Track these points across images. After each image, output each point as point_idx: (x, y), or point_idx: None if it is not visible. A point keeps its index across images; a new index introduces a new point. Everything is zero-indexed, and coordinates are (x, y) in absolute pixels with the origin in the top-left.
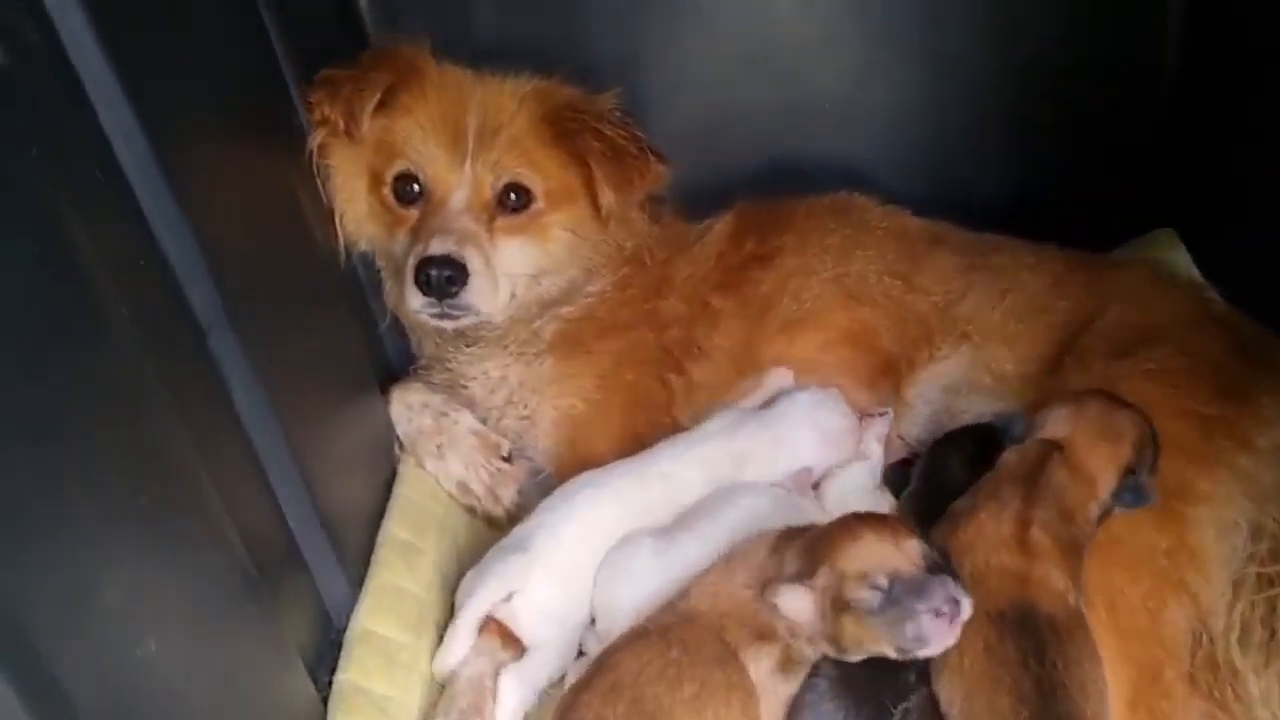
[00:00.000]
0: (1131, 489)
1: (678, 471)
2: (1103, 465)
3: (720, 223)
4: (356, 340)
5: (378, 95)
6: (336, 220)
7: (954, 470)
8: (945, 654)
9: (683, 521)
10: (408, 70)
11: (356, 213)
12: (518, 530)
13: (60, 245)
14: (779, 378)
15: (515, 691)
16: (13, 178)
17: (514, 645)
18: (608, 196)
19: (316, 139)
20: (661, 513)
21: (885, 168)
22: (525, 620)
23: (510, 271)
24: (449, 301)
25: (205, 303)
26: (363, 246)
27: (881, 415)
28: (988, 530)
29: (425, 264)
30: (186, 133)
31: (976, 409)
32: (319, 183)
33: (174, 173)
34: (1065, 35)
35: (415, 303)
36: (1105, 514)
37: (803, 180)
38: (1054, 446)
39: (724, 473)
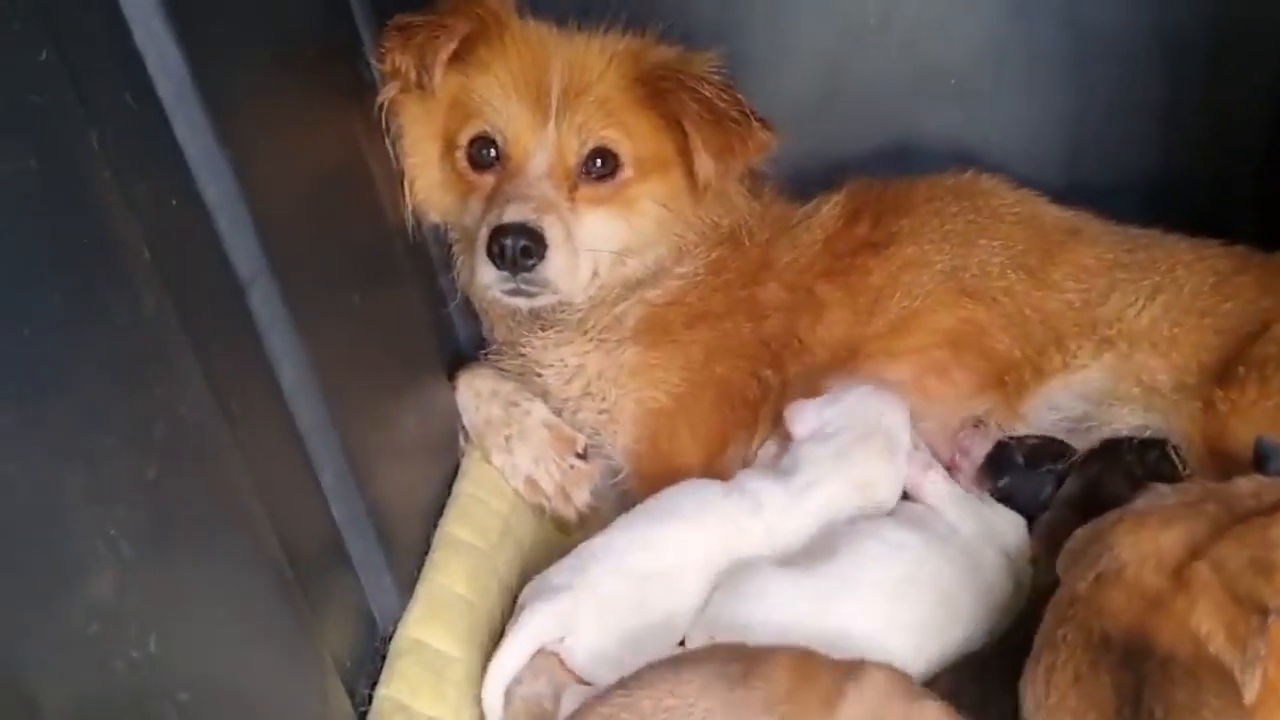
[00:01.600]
0: None
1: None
2: None
3: (829, 203)
4: (422, 318)
5: (453, 44)
6: (406, 186)
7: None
8: (1032, 669)
9: (818, 553)
10: (489, 22)
11: (428, 179)
12: (573, 556)
13: (71, 167)
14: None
15: None
16: (15, 81)
17: None
18: (705, 164)
19: (388, 93)
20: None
21: (1016, 153)
22: (580, 661)
23: (593, 246)
24: (524, 275)
25: (246, 254)
26: (434, 218)
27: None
28: (1148, 537)
29: (499, 233)
30: (234, 63)
31: (1123, 422)
32: (389, 144)
33: (216, 104)
34: (1225, 15)
35: (487, 276)
36: None
37: (921, 164)
38: None
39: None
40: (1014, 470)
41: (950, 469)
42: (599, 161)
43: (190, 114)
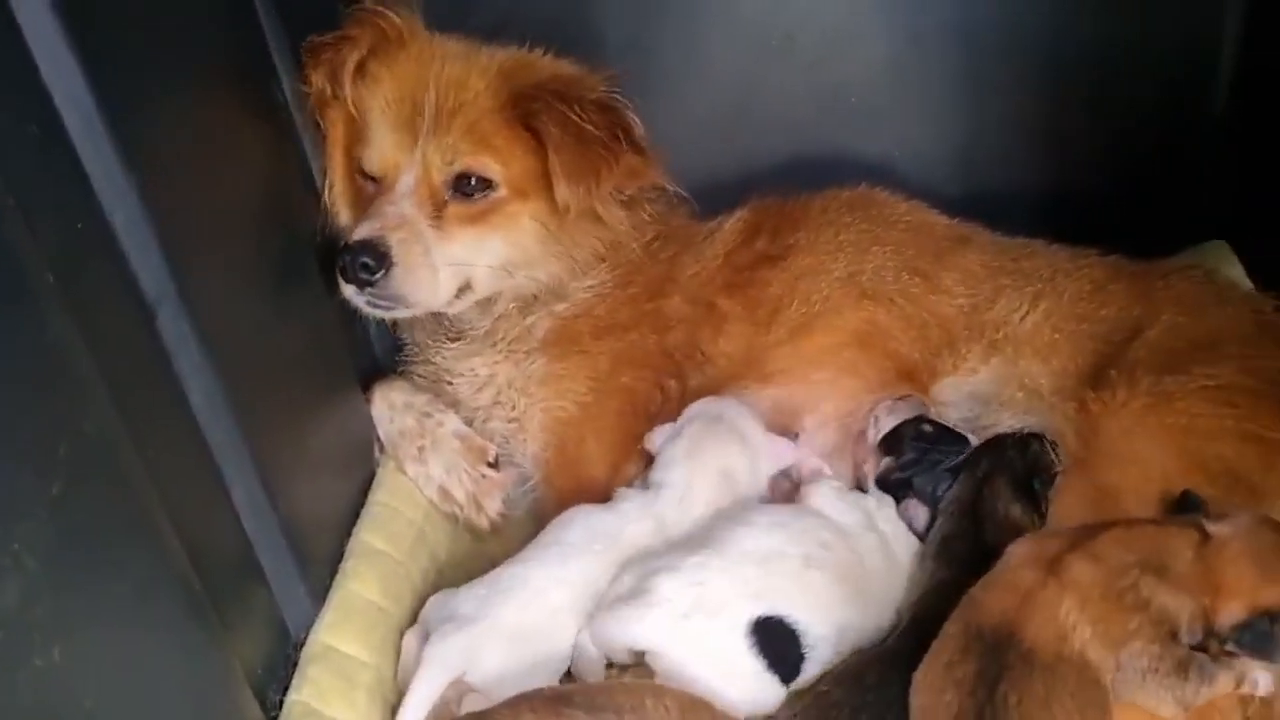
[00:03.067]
0: (1257, 631)
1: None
2: (1236, 588)
3: (731, 219)
4: (336, 333)
5: (358, 55)
6: (324, 198)
7: (1002, 503)
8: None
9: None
10: (391, 36)
11: (342, 192)
12: (484, 586)
13: None
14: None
15: None
16: None
17: None
18: (562, 188)
19: (310, 106)
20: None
21: (913, 167)
22: (480, 683)
23: (460, 262)
24: (370, 290)
25: (153, 276)
26: (344, 227)
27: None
28: (1039, 544)
29: (345, 249)
30: (141, 90)
31: (1006, 425)
32: (309, 160)
33: (122, 131)
34: (1112, 33)
35: (345, 291)
36: (1207, 638)
37: (825, 178)
38: (1201, 532)
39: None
40: (912, 447)
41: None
42: (471, 181)
43: (96, 142)
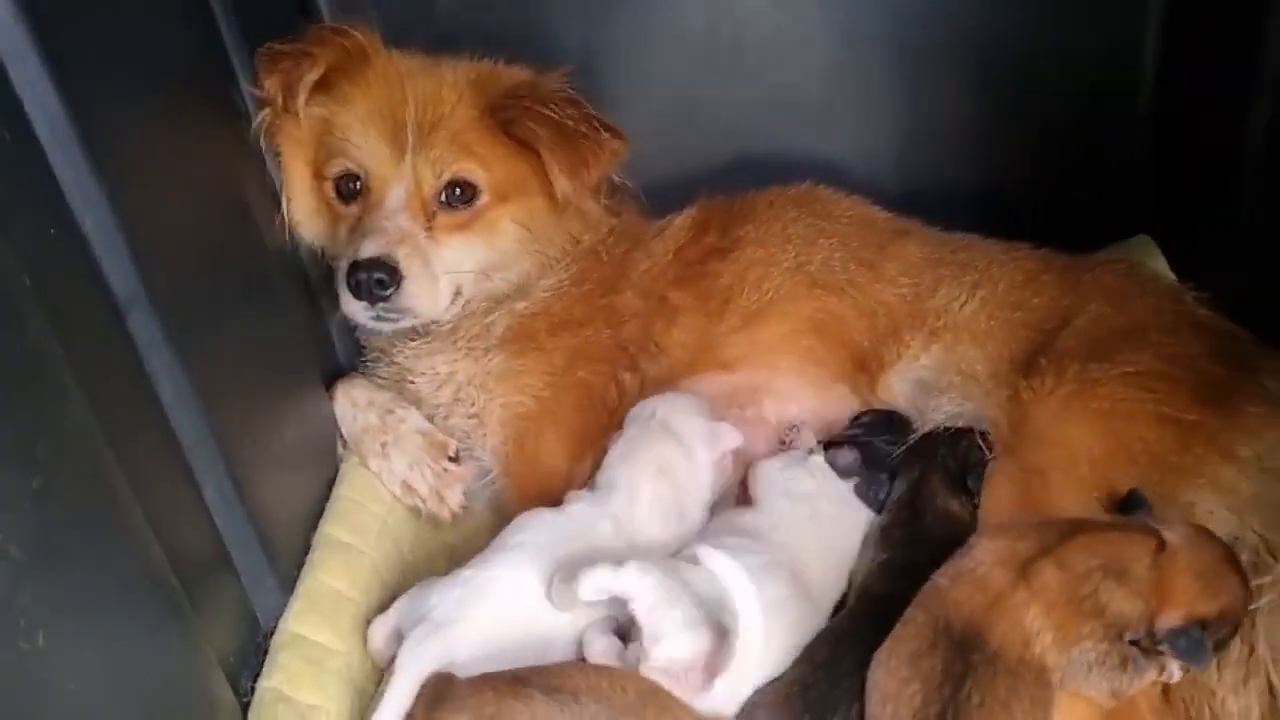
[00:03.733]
0: (1191, 639)
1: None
2: (1180, 598)
3: (680, 216)
4: (300, 332)
5: (318, 71)
6: (284, 209)
7: (940, 499)
8: (887, 643)
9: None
10: (352, 55)
11: (302, 204)
12: (460, 586)
13: None
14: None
15: None
16: None
17: None
18: (563, 184)
19: (262, 117)
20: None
21: (854, 168)
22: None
23: (455, 270)
24: (382, 305)
25: (123, 279)
26: (308, 240)
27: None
28: (1005, 542)
29: (355, 267)
30: (109, 97)
31: (945, 409)
32: (269, 169)
33: (91, 138)
34: (1040, 38)
35: (350, 306)
36: (1146, 638)
37: (769, 178)
38: (1159, 539)
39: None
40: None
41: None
42: (457, 190)
43: (66, 148)
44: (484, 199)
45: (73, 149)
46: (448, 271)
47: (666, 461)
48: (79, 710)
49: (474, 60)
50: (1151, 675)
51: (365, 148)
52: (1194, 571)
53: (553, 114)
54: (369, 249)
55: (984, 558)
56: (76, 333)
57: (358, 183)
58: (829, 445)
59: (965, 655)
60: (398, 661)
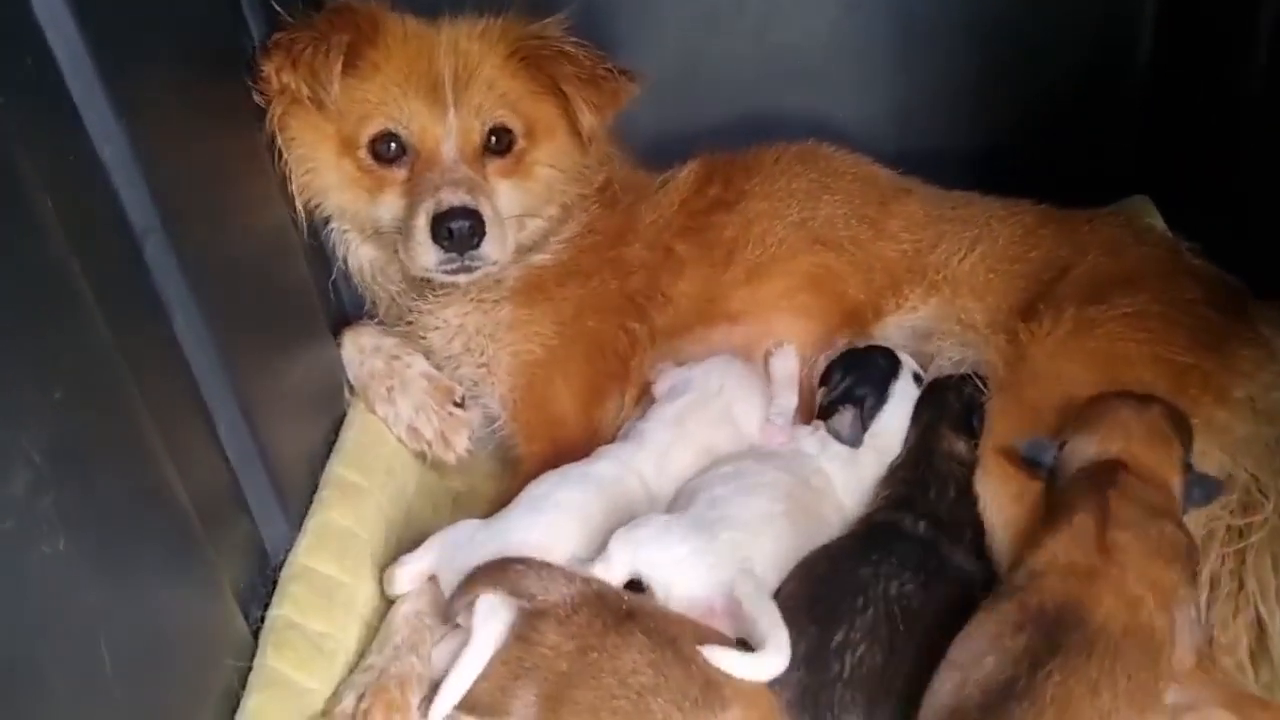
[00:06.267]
0: (1197, 483)
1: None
2: (1169, 467)
3: (685, 170)
4: (308, 279)
5: (342, 56)
6: (295, 190)
7: (947, 443)
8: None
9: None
10: (368, 27)
11: (324, 182)
12: (486, 545)
13: None
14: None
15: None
16: None
17: None
18: (587, 118)
19: (277, 109)
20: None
21: (853, 126)
22: None
23: (509, 215)
24: (470, 254)
25: (140, 210)
26: (331, 215)
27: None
28: (1048, 540)
29: (444, 217)
30: (126, 34)
31: (945, 355)
32: (276, 151)
33: (110, 71)
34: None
35: (430, 259)
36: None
37: (770, 136)
38: (1117, 464)
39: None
40: (838, 371)
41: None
42: (494, 139)
43: (84, 77)
44: (520, 144)
45: (92, 79)
46: (506, 217)
47: (714, 445)
48: (97, 618)
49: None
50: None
51: (408, 108)
52: (1148, 443)
53: (577, 53)
54: (451, 198)
55: (1058, 549)
56: (96, 257)
57: (394, 143)
58: (822, 414)
59: (1058, 636)
60: (474, 635)
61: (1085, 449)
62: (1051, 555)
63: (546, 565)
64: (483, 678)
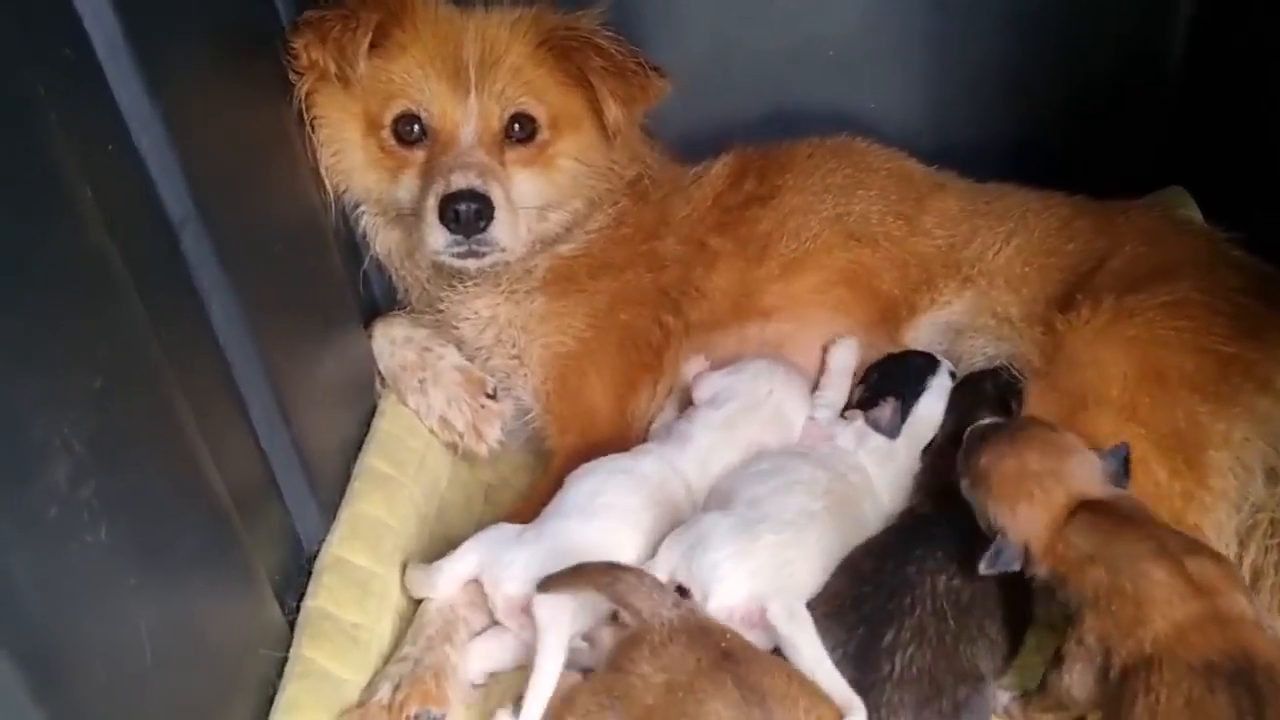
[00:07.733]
0: (1115, 457)
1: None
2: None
3: (719, 163)
4: (340, 270)
5: (369, 35)
6: (324, 170)
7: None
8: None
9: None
10: (398, 8)
11: (351, 161)
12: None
13: (17, 110)
14: (695, 365)
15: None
16: None
17: None
18: (614, 112)
19: (304, 85)
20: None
21: (888, 118)
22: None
23: (524, 205)
24: (477, 237)
25: (177, 198)
26: (357, 196)
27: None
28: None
29: (451, 199)
30: (164, 24)
31: (980, 351)
32: (306, 130)
33: (147, 60)
34: None
35: (439, 241)
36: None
37: (803, 128)
38: (1086, 508)
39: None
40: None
41: None
42: (518, 126)
43: (121, 67)
44: (544, 134)
45: (129, 69)
46: (522, 207)
47: (766, 444)
48: (137, 607)
49: (511, 6)
50: None
51: (430, 90)
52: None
53: (607, 46)
54: (460, 180)
55: (1174, 600)
56: (134, 246)
57: (416, 126)
58: (862, 405)
59: (1246, 681)
60: (542, 637)
61: (1031, 522)
62: (1167, 620)
63: (658, 582)
64: (569, 708)
